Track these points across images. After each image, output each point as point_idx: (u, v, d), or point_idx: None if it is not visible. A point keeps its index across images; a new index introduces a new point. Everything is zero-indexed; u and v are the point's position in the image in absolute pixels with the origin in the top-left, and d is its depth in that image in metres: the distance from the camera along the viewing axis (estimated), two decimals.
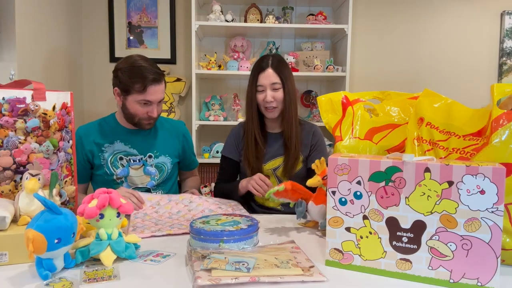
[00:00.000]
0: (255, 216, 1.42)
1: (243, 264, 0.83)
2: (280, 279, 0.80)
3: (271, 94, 1.49)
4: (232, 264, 0.83)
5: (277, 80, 1.49)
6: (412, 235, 0.84)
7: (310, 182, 1.16)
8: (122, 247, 0.94)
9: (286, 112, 1.52)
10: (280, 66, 1.51)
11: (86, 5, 2.89)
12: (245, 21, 2.71)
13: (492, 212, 0.77)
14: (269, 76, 1.49)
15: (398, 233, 0.85)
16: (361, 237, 0.89)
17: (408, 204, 0.84)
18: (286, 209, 1.54)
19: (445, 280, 0.82)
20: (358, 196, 0.88)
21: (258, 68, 1.52)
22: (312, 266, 0.88)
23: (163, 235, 1.15)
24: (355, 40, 2.94)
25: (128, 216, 1.32)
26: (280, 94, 1.50)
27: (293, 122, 1.52)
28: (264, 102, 1.51)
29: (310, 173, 1.43)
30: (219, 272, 0.81)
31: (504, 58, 2.95)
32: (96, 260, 0.93)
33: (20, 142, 1.03)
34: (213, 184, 2.86)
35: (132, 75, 1.41)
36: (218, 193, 1.64)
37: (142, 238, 1.11)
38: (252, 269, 0.82)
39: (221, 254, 0.89)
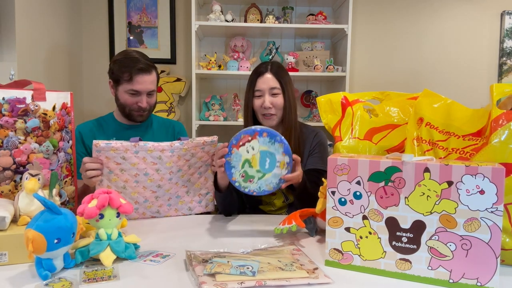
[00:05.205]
0: (257, 216, 1.42)
1: (247, 268, 0.82)
2: (286, 282, 0.80)
3: (269, 99, 1.42)
4: (236, 268, 0.82)
5: (277, 85, 1.42)
6: (411, 235, 0.84)
7: (318, 210, 1.11)
8: (122, 247, 0.94)
9: (287, 119, 1.44)
10: (280, 72, 1.45)
11: (86, 5, 2.89)
12: (245, 21, 2.71)
13: (492, 212, 0.77)
14: (268, 80, 1.42)
15: (398, 233, 0.85)
16: (361, 237, 0.89)
17: (408, 204, 0.84)
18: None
19: (445, 280, 0.82)
20: (357, 196, 0.88)
21: (256, 73, 1.46)
22: (316, 268, 0.88)
23: (161, 216, 1.33)
24: (355, 40, 2.94)
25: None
26: (279, 100, 1.42)
27: (292, 130, 1.44)
28: (262, 109, 1.44)
29: (308, 175, 1.41)
30: (223, 277, 0.80)
31: (504, 58, 2.95)
32: (96, 260, 0.93)
33: (20, 142, 1.03)
34: None
35: (122, 65, 1.49)
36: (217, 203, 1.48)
37: (141, 218, 1.32)
38: (257, 273, 0.81)
39: (223, 258, 0.88)
